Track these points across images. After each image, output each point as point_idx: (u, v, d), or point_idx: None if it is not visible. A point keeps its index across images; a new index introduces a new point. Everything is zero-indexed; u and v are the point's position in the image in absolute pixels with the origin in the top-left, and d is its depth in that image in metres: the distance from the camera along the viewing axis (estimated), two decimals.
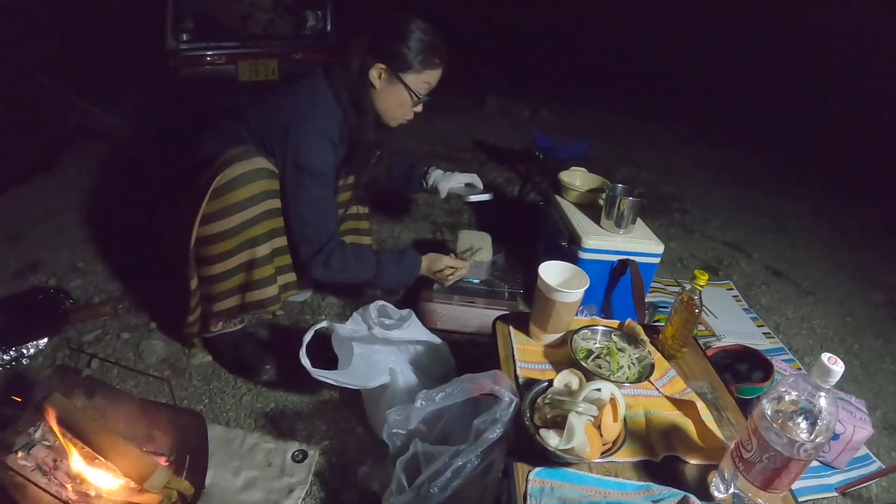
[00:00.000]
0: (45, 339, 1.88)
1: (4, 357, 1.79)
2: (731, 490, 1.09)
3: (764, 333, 2.38)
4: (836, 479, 1.70)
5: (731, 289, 2.73)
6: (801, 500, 1.15)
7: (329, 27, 4.35)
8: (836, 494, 1.66)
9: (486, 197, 2.07)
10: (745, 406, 1.45)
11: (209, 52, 3.92)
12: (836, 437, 1.67)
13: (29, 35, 4.36)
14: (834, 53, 6.74)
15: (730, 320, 2.43)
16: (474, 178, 2.16)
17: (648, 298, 2.26)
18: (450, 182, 2.12)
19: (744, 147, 5.28)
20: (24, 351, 1.83)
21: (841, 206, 4.13)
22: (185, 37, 3.86)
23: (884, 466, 1.76)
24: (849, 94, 6.27)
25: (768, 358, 1.90)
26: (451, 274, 2.00)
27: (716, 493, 1.12)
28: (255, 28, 4.22)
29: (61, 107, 3.67)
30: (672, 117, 5.91)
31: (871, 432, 1.69)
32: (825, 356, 0.95)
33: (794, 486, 1.14)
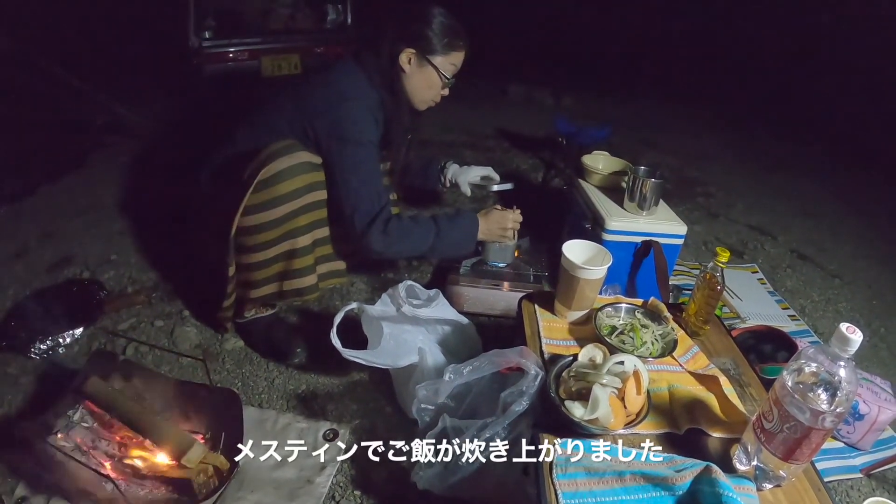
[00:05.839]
0: (81, 329, 1.93)
1: (41, 346, 1.83)
2: (754, 462, 1.09)
3: (789, 316, 2.36)
4: (860, 460, 1.70)
5: (756, 272, 2.71)
6: (825, 480, 1.15)
7: (349, 20, 4.39)
8: (861, 476, 1.65)
9: (508, 186, 2.13)
10: (770, 386, 1.45)
11: (232, 49, 3.95)
12: (860, 417, 1.66)
13: (56, 36, 4.46)
14: (866, 38, 6.59)
15: (754, 303, 2.42)
16: (490, 171, 2.22)
17: (673, 281, 2.26)
18: (467, 176, 2.20)
19: (768, 132, 5.22)
20: (61, 340, 1.88)
21: (869, 192, 4.06)
22: (207, 34, 3.90)
23: None
24: (881, 79, 6.12)
25: (793, 339, 1.90)
26: (514, 227, 1.99)
27: (738, 466, 1.12)
28: (276, 23, 4.27)
29: (89, 106, 3.75)
30: (696, 103, 5.85)
31: None
32: (843, 325, 0.94)
33: (819, 467, 1.15)
